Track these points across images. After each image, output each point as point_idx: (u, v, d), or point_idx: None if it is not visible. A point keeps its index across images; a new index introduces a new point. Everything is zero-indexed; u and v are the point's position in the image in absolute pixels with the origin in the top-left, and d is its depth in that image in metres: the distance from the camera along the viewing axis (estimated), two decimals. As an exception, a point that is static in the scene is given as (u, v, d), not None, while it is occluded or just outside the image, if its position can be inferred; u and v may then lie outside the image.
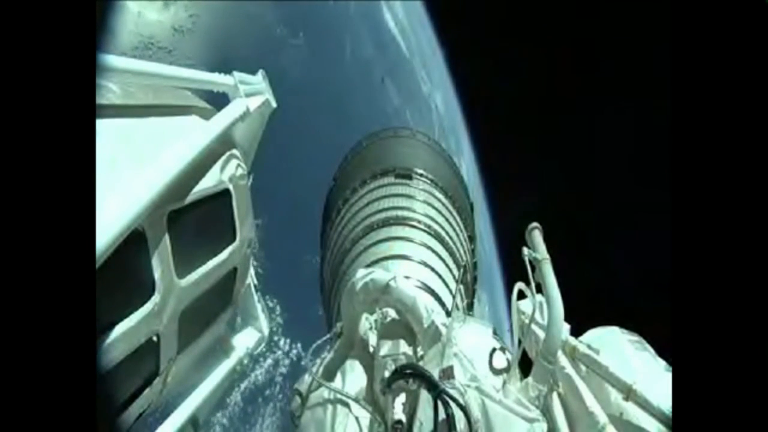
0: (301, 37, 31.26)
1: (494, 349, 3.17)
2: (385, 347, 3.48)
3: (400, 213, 7.63)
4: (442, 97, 47.66)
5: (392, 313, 3.85)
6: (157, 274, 2.88)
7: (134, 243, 2.57)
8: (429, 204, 8.09)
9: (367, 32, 40.84)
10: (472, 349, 3.28)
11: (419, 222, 7.48)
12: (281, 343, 24.32)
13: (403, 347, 3.48)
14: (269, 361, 23.87)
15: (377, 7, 43.36)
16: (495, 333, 3.55)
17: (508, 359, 3.12)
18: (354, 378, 3.44)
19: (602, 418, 2.58)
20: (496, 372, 3.06)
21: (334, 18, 37.28)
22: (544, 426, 2.74)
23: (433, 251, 7.09)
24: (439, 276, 6.59)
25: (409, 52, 45.67)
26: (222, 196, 3.56)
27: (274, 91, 4.44)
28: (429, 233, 7.36)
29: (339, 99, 33.33)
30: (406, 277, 5.18)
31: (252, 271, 4.86)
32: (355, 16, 39.55)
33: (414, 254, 6.81)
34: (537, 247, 3.29)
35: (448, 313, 5.47)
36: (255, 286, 5.06)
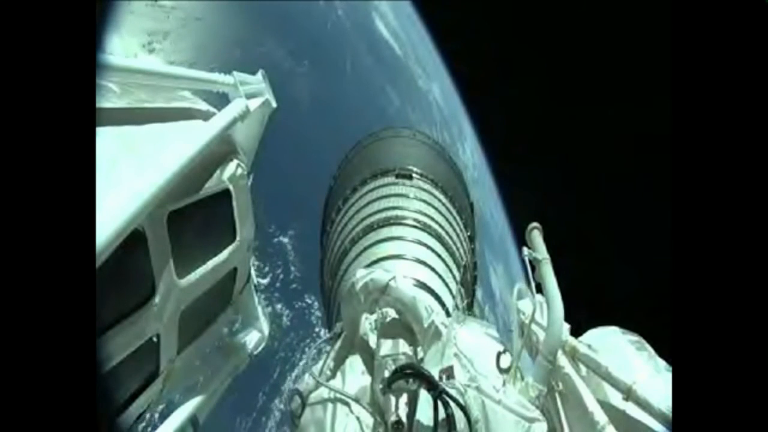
0: (306, 65, 33.58)
1: (499, 353, 3.17)
2: (385, 347, 3.47)
3: (399, 213, 7.63)
4: (440, 87, 49.01)
5: (392, 313, 3.85)
6: (157, 274, 2.87)
7: (134, 243, 2.56)
8: (429, 203, 8.09)
9: (364, 43, 42.50)
10: (472, 349, 3.28)
11: (418, 222, 7.48)
12: (321, 333, 27.37)
13: (403, 347, 3.47)
14: (313, 351, 25.98)
15: (369, 16, 44.84)
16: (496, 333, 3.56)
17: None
18: (354, 378, 3.44)
19: (602, 418, 2.58)
20: (504, 373, 3.06)
21: (333, 38, 39.23)
22: (544, 426, 2.74)
23: (432, 250, 7.08)
24: (439, 275, 6.59)
25: (403, 53, 47.14)
26: (222, 196, 3.55)
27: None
28: (429, 233, 7.36)
29: (344, 110, 35.08)
30: (404, 277, 5.18)
31: (253, 271, 4.85)
32: (350, 31, 41.30)
33: (410, 253, 6.81)
34: (537, 247, 3.30)
35: (448, 313, 5.47)
36: (255, 286, 5.05)
